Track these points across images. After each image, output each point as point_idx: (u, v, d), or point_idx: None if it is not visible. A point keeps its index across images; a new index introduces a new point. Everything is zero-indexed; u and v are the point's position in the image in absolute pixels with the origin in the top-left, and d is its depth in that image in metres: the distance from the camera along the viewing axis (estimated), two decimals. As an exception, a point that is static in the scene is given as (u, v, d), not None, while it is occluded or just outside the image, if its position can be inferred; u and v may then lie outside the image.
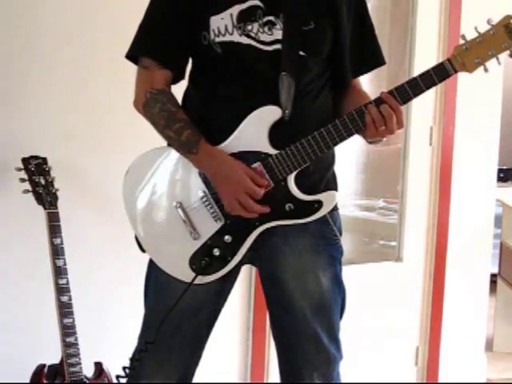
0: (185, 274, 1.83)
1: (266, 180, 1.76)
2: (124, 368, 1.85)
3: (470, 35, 1.72)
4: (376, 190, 3.98)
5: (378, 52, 1.95)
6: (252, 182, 1.75)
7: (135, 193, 1.88)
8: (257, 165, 1.77)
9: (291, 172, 1.77)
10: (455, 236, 3.47)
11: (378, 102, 1.74)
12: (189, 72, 1.92)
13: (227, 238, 1.81)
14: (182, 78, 1.91)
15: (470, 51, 1.71)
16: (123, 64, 1.93)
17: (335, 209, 1.90)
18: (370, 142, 1.85)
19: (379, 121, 1.73)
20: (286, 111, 1.77)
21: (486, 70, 1.72)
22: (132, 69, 1.90)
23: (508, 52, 1.70)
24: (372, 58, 1.95)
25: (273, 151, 1.77)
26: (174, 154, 1.84)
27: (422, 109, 3.30)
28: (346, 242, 1.97)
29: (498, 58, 1.71)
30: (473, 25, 1.72)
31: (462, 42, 1.72)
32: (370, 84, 2.00)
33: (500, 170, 4.05)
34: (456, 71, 1.73)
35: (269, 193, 1.77)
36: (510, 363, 3.97)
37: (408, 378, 3.49)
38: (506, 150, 4.07)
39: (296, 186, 1.79)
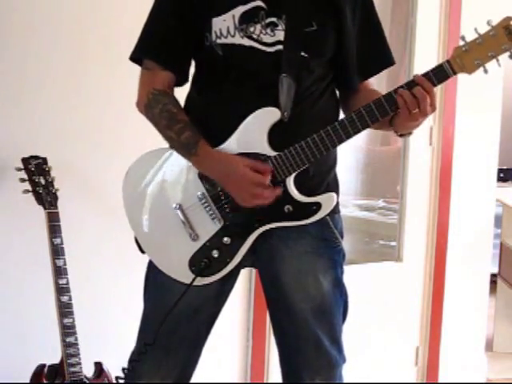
0: (184, 275, 1.83)
1: (268, 166, 1.75)
2: (123, 369, 1.85)
3: (470, 36, 1.70)
4: (376, 189, 3.99)
5: (387, 52, 1.93)
6: (255, 171, 1.74)
7: (135, 194, 1.88)
8: None
9: (290, 174, 1.76)
10: (455, 236, 3.47)
11: (411, 85, 1.71)
12: (192, 75, 1.92)
13: (226, 239, 1.81)
14: (186, 80, 1.91)
15: (469, 52, 1.69)
16: (124, 64, 1.93)
17: (336, 212, 1.90)
18: (401, 135, 1.82)
19: (412, 103, 1.70)
20: (285, 113, 1.76)
21: (485, 71, 1.71)
22: (133, 69, 1.90)
23: (508, 53, 1.68)
24: (381, 59, 1.92)
25: (272, 153, 1.76)
26: (174, 155, 1.84)
27: (422, 109, 3.30)
28: (346, 242, 1.97)
29: (497, 60, 1.69)
30: (473, 24, 1.71)
31: (461, 43, 1.71)
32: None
33: (500, 170, 4.05)
34: (455, 73, 1.71)
35: None
36: (510, 363, 3.97)
37: (408, 378, 3.49)
38: (506, 150, 4.06)
39: (296, 189, 1.78)
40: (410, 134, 1.83)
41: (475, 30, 1.69)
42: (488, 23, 1.68)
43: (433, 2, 3.34)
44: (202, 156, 1.78)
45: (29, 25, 2.64)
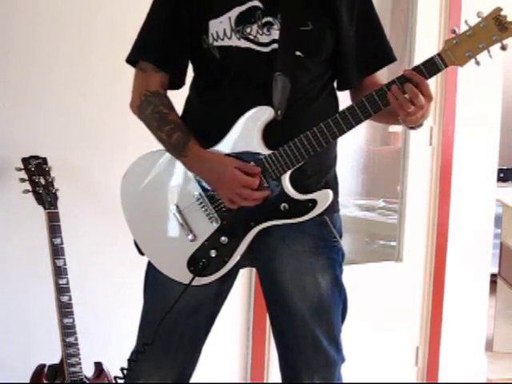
0: (183, 275, 1.83)
1: (257, 168, 1.75)
2: (122, 369, 1.85)
3: (462, 29, 1.69)
4: (376, 190, 3.99)
5: (387, 49, 1.92)
6: (244, 173, 1.75)
7: (133, 196, 1.89)
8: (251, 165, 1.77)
9: (285, 172, 1.76)
10: (455, 236, 3.47)
11: (402, 79, 1.70)
12: (191, 79, 1.93)
13: (223, 239, 1.81)
14: (183, 83, 1.92)
15: (460, 45, 1.68)
16: (123, 64, 1.93)
17: (335, 211, 1.90)
18: (411, 128, 1.81)
19: (406, 104, 1.69)
20: (279, 111, 1.76)
21: (477, 63, 1.69)
22: (133, 70, 1.91)
23: (499, 44, 1.66)
24: (381, 56, 1.92)
25: (266, 151, 1.77)
26: (170, 157, 1.85)
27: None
28: (346, 242, 1.97)
29: (489, 51, 1.68)
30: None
31: (452, 35, 1.70)
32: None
33: (500, 170, 4.05)
34: (446, 66, 1.70)
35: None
36: (510, 363, 3.97)
37: (408, 378, 3.49)
38: (506, 150, 4.07)
39: (293, 187, 1.78)
40: (420, 125, 1.81)
41: (465, 22, 1.68)
42: (478, 15, 1.66)
43: (433, 2, 3.34)
44: (190, 157, 1.79)
45: (31, 25, 2.64)
